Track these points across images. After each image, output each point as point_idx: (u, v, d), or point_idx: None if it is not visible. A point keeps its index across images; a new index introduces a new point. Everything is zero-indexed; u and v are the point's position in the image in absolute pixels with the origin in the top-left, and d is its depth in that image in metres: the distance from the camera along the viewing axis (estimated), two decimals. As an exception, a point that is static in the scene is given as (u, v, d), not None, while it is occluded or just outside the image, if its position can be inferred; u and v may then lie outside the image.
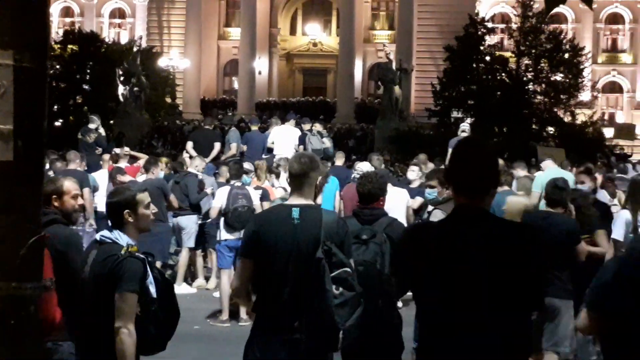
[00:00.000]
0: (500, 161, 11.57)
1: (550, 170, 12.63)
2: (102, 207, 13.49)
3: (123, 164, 14.32)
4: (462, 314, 3.11)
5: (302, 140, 17.75)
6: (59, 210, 5.11)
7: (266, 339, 4.59)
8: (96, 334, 4.48)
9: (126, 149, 16.73)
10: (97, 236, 4.72)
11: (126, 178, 12.18)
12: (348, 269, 4.56)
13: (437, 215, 6.81)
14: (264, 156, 16.60)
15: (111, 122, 28.45)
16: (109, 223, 4.77)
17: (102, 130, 19.02)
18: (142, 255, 4.52)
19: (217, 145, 17.73)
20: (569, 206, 7.43)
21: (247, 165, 12.39)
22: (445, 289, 3.13)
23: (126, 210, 4.64)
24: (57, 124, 32.03)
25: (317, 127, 19.07)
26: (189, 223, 12.54)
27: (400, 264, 3.36)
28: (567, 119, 33.57)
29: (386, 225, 5.79)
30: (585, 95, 36.60)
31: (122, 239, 4.57)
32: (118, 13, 51.73)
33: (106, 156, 15.05)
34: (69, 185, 5.22)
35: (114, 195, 4.77)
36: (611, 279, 4.09)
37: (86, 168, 13.81)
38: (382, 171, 9.63)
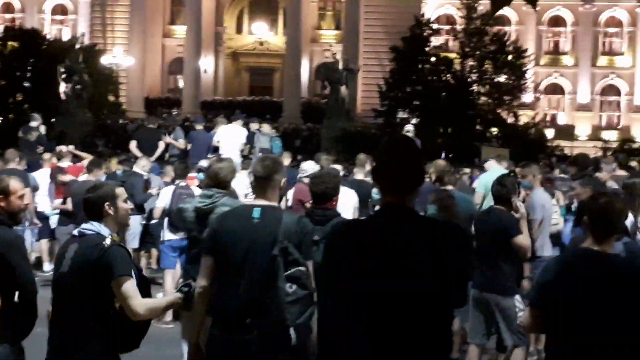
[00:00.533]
0: (442, 162, 11.66)
1: (493, 170, 12.73)
2: (42, 207, 13.25)
3: (66, 163, 14.04)
4: (385, 313, 3.09)
5: (249, 139, 17.64)
6: (3, 211, 5.02)
7: (222, 338, 4.62)
8: (84, 326, 4.47)
9: (71, 147, 16.42)
10: (75, 231, 4.75)
11: (67, 177, 11.95)
12: (303, 268, 4.61)
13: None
14: (209, 155, 16.44)
15: (53, 120, 27.93)
16: (84, 217, 4.77)
17: (43, 129, 18.65)
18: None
19: (161, 144, 17.52)
20: (513, 203, 7.57)
21: (204, 162, 12.20)
22: (368, 287, 3.12)
23: (106, 203, 4.68)
24: (-3, 122, 31.34)
25: (265, 127, 18.98)
26: (133, 223, 12.33)
27: (327, 262, 3.31)
28: (511, 119, 34.10)
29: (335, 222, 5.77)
30: (528, 97, 37.23)
31: (103, 229, 4.63)
32: (60, 10, 50.79)
33: (47, 155, 14.73)
34: (15, 184, 5.14)
35: (94, 190, 4.80)
36: (553, 278, 4.18)
37: (26, 167, 13.49)
38: (335, 170, 9.59)
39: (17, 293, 4.89)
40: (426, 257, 3.10)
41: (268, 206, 4.78)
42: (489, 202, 12.04)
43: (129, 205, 4.93)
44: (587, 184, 8.22)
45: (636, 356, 4.06)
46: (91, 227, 4.64)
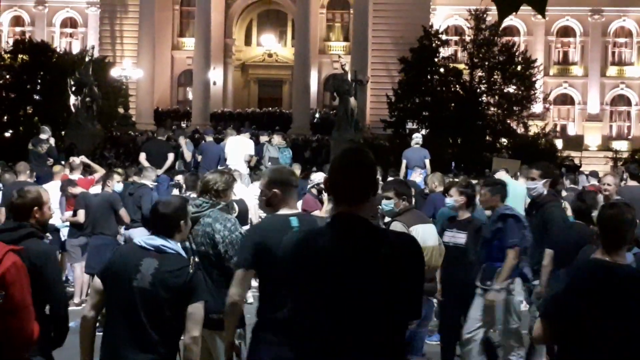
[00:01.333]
0: (438, 174, 11.78)
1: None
2: (52, 220, 13.24)
3: (76, 175, 14.05)
4: (334, 323, 3.08)
5: (259, 151, 17.67)
6: (36, 222, 4.99)
7: (275, 349, 4.60)
8: (164, 343, 4.51)
9: (82, 157, 16.42)
10: (146, 244, 4.61)
11: (77, 190, 11.94)
12: None
13: (397, 227, 6.76)
14: (219, 167, 16.45)
15: (63, 132, 28.05)
16: (155, 231, 4.69)
17: (52, 141, 18.70)
18: None
19: (171, 156, 17.53)
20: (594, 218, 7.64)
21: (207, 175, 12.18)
22: (319, 297, 3.12)
23: (182, 221, 4.70)
24: (7, 134, 31.47)
25: (276, 139, 18.99)
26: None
27: (284, 272, 3.33)
28: (520, 130, 34.05)
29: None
30: (537, 107, 37.16)
31: (180, 250, 4.69)
32: (70, 22, 51.08)
33: (58, 167, 14.74)
34: (46, 195, 5.16)
35: (168, 205, 4.76)
36: (563, 289, 4.17)
37: (35, 179, 13.52)
38: None
39: (48, 306, 4.88)
40: (376, 266, 3.08)
41: (300, 213, 4.90)
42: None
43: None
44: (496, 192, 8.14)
45: None
46: (169, 244, 4.61)
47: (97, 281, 4.67)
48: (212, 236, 5.63)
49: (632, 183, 11.33)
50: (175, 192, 12.47)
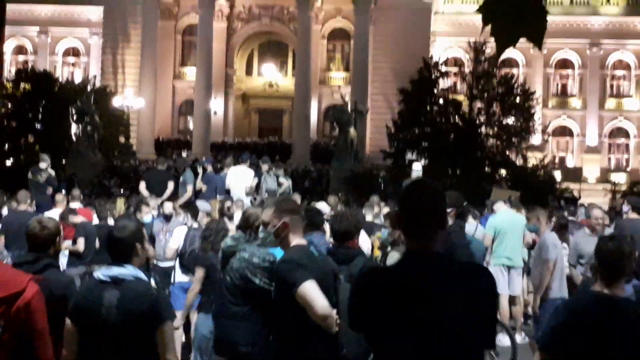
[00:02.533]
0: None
1: (503, 212, 12.78)
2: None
3: (76, 204, 14.10)
4: (421, 356, 3.10)
5: (257, 179, 17.74)
6: (53, 253, 5.04)
7: None
8: None
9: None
10: (103, 276, 4.51)
11: (79, 219, 11.98)
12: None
13: (394, 257, 6.82)
14: (218, 197, 16.51)
15: (64, 161, 28.12)
16: (112, 257, 4.61)
17: (51, 170, 18.74)
18: None
19: (171, 185, 17.59)
20: None
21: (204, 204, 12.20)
22: (404, 333, 3.13)
23: (137, 243, 4.61)
24: (8, 163, 31.54)
25: (275, 169, 19.06)
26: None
27: (358, 311, 3.30)
28: (519, 161, 34.11)
29: (362, 265, 5.79)
30: (536, 139, 37.29)
31: (139, 273, 4.56)
32: (72, 52, 51.41)
33: (60, 196, 14.79)
34: (59, 226, 5.18)
35: (123, 230, 4.65)
36: (563, 321, 4.19)
37: (35, 208, 13.56)
38: (354, 211, 9.63)
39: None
40: (455, 300, 3.11)
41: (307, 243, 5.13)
42: (500, 243, 12.13)
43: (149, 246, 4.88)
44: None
45: None
46: (126, 271, 4.51)
47: (68, 322, 4.54)
48: (248, 272, 5.58)
49: (633, 216, 11.39)
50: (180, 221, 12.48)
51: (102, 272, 4.56)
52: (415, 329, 3.11)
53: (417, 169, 19.33)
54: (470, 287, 3.15)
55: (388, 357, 3.18)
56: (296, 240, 4.87)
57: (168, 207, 12.31)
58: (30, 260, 4.90)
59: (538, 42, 2.67)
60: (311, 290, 4.62)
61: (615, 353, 4.01)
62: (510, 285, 12.18)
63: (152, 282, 4.58)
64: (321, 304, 4.62)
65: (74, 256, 11.78)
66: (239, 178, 17.55)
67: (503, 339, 10.38)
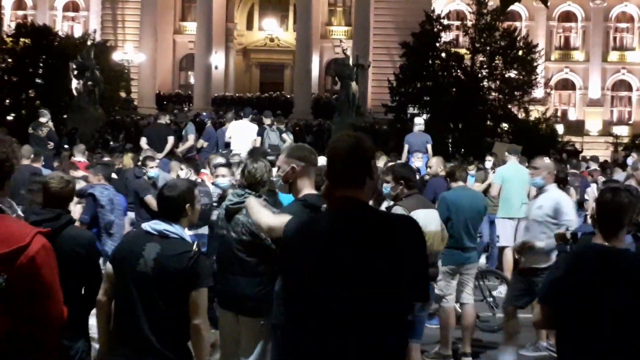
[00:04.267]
0: (437, 158, 11.74)
1: (510, 164, 12.89)
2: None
3: (79, 159, 14.09)
4: (341, 307, 3.06)
5: (260, 134, 17.68)
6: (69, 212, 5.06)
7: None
8: (171, 329, 4.45)
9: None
10: (151, 228, 4.56)
11: (79, 173, 11.97)
12: None
13: (398, 211, 6.81)
14: (221, 151, 16.51)
15: (64, 116, 28.07)
16: (161, 215, 4.62)
17: (52, 125, 18.71)
18: None
19: (171, 140, 17.55)
20: None
21: (220, 159, 12.04)
22: (328, 282, 3.09)
23: (188, 204, 4.61)
24: (9, 118, 31.49)
25: (277, 123, 19.00)
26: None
27: (285, 257, 3.31)
28: (521, 115, 33.99)
29: None
30: (538, 92, 37.08)
31: (185, 234, 4.59)
32: (72, 6, 50.98)
33: (65, 153, 14.76)
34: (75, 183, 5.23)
35: (173, 189, 4.65)
36: (562, 274, 4.21)
37: (43, 164, 13.52)
38: None
39: (84, 288, 4.96)
40: (377, 248, 3.08)
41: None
42: (507, 194, 12.18)
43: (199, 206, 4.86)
44: None
45: None
46: (173, 229, 4.54)
47: (109, 266, 4.65)
48: (254, 227, 5.52)
49: None
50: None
51: (150, 225, 4.60)
52: (338, 276, 3.07)
53: (419, 122, 19.27)
54: (395, 237, 3.11)
55: (310, 300, 3.12)
56: (307, 189, 4.81)
57: (174, 166, 12.29)
58: (52, 217, 4.91)
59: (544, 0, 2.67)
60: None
61: (614, 304, 4.02)
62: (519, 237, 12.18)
63: (194, 246, 4.59)
64: (265, 219, 4.73)
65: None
66: (241, 133, 17.51)
67: (503, 290, 10.47)
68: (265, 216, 4.80)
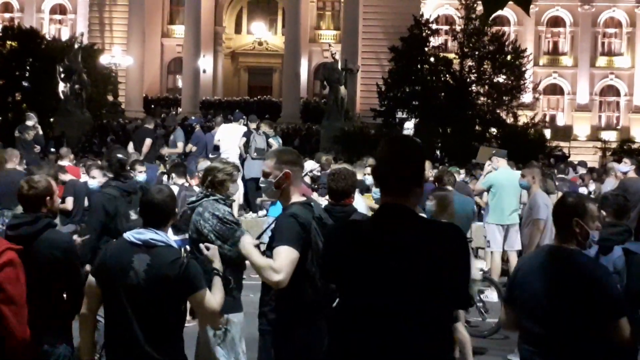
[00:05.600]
0: (428, 163, 11.70)
1: (501, 169, 12.85)
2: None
3: (66, 162, 13.98)
4: (382, 313, 3.07)
5: (247, 137, 17.58)
6: (50, 212, 4.91)
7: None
8: (168, 338, 4.43)
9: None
10: (135, 239, 4.44)
11: (67, 177, 11.87)
12: None
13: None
14: (210, 155, 16.39)
15: (51, 119, 27.93)
16: (146, 222, 4.53)
17: (39, 127, 18.58)
18: None
19: (147, 141, 17.34)
20: None
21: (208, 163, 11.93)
22: (372, 287, 3.10)
23: (171, 210, 4.57)
24: (-5, 121, 31.32)
25: (264, 127, 18.91)
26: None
27: (329, 262, 3.29)
28: (510, 120, 34.08)
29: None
30: (527, 97, 37.21)
31: (170, 240, 4.53)
32: (59, 9, 50.76)
33: (52, 156, 14.65)
34: (54, 183, 5.05)
35: (156, 196, 4.56)
36: (517, 274, 4.40)
37: (26, 167, 13.41)
38: (351, 169, 9.58)
39: (65, 293, 4.85)
40: (424, 257, 3.07)
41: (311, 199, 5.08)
42: (497, 200, 12.15)
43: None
44: None
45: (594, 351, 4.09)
46: (159, 237, 4.45)
47: (92, 279, 4.54)
48: (200, 225, 5.64)
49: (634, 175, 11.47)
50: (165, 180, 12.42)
51: (133, 235, 4.49)
52: (382, 282, 3.07)
53: (409, 127, 19.24)
54: (441, 245, 3.10)
55: (353, 306, 3.14)
56: (296, 195, 4.71)
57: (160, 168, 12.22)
58: (29, 220, 4.80)
59: (526, 8, 2.64)
60: (282, 253, 4.48)
61: (556, 303, 4.09)
62: (509, 242, 12.14)
63: (183, 251, 4.51)
64: (254, 259, 4.58)
65: (62, 215, 11.70)
66: (230, 136, 17.40)
67: (491, 295, 10.41)
68: (255, 257, 4.63)
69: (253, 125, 18.32)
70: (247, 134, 17.68)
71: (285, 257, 4.40)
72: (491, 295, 10.42)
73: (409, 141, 3.35)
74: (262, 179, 4.82)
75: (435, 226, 3.30)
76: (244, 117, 18.96)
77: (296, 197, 4.72)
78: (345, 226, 3.43)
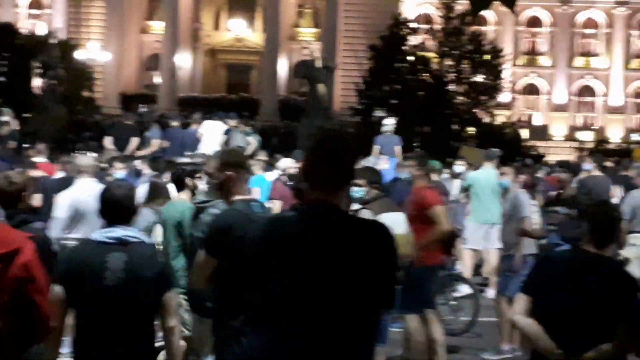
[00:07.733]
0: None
1: (482, 169, 12.91)
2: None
3: (40, 159, 13.82)
4: (304, 312, 3.01)
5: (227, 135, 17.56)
6: (26, 208, 4.94)
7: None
8: (144, 337, 4.31)
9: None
10: (106, 237, 4.26)
11: (38, 173, 11.72)
12: None
13: (365, 215, 6.72)
14: (186, 153, 16.28)
15: (27, 115, 27.63)
16: (110, 220, 4.34)
17: (14, 124, 18.43)
18: None
19: (135, 140, 17.30)
20: None
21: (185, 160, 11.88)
22: (289, 286, 3.03)
23: (134, 204, 4.46)
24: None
25: (242, 127, 18.87)
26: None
27: (258, 256, 3.21)
28: (487, 119, 34.22)
29: None
30: (504, 97, 37.38)
31: (144, 237, 4.43)
32: (36, 4, 50.26)
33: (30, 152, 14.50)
34: (25, 179, 5.04)
35: (119, 189, 4.43)
36: (543, 271, 4.41)
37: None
38: None
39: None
40: (346, 254, 3.01)
41: (255, 199, 5.04)
42: (477, 199, 12.22)
43: None
44: None
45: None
46: (132, 233, 4.30)
47: (57, 288, 4.25)
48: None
49: (597, 173, 11.59)
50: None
51: (103, 234, 4.30)
52: (304, 278, 3.01)
53: (389, 123, 19.17)
54: (366, 243, 3.04)
55: (271, 301, 3.07)
56: (239, 195, 4.65)
57: (137, 163, 12.12)
58: (7, 216, 4.72)
59: (510, 5, 2.65)
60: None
61: (588, 304, 4.11)
62: (489, 240, 12.16)
63: (156, 247, 4.43)
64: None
65: (31, 211, 11.52)
66: (211, 132, 17.41)
67: (463, 289, 10.44)
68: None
69: (232, 123, 18.27)
70: (227, 132, 17.66)
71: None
72: (462, 290, 10.46)
73: (341, 138, 3.25)
74: (207, 179, 4.83)
75: (363, 224, 3.23)
76: (223, 116, 18.96)
77: (239, 197, 4.68)
78: (275, 222, 3.34)
